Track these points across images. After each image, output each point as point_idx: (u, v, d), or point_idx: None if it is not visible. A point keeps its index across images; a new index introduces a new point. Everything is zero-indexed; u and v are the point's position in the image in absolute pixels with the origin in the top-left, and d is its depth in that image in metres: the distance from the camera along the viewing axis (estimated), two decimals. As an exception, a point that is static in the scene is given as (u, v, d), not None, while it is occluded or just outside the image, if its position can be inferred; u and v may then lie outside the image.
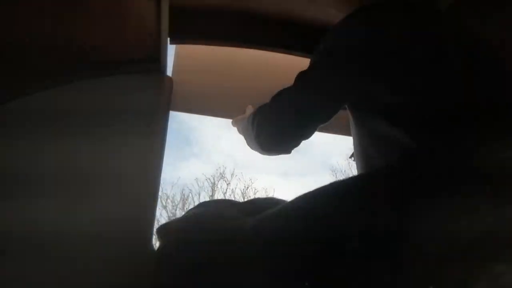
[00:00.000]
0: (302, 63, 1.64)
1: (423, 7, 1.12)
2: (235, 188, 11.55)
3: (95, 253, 1.34)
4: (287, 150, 1.15)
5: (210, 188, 11.39)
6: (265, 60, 1.68)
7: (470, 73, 1.00)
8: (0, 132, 1.41)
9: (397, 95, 1.00)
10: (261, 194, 11.60)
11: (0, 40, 1.28)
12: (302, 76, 1.12)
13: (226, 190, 11.35)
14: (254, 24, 1.61)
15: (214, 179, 11.31)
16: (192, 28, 1.58)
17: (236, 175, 11.70)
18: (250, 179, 12.10)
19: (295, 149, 1.14)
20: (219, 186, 11.37)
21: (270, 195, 11.39)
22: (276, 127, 1.11)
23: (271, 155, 1.19)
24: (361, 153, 1.11)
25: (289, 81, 1.67)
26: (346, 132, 1.52)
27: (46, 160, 1.40)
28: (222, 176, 11.36)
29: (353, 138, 1.17)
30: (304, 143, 1.22)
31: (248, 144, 1.23)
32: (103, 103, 1.51)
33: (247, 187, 11.53)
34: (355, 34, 1.08)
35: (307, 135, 1.12)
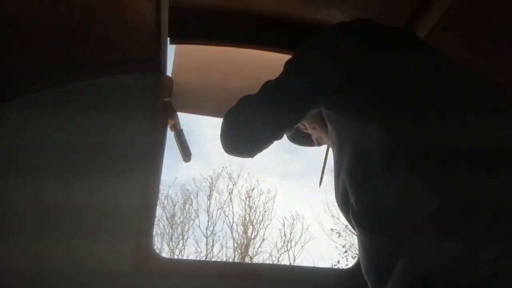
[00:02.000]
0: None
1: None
2: (241, 188, 11.50)
3: (95, 253, 1.34)
4: (249, 155, 1.14)
5: (208, 188, 11.38)
6: (265, 60, 1.68)
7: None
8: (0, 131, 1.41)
9: (373, 89, 0.98)
10: (265, 195, 11.57)
11: (0, 41, 1.28)
12: (266, 84, 1.11)
13: (232, 190, 11.35)
14: (254, 24, 1.61)
15: (212, 180, 11.29)
16: (192, 28, 1.58)
17: (242, 176, 11.62)
18: (257, 180, 12.04)
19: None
20: (217, 186, 11.36)
21: (272, 196, 11.41)
22: (239, 134, 1.11)
23: (236, 156, 1.18)
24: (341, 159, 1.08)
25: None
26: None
27: (45, 158, 1.40)
28: (220, 175, 11.32)
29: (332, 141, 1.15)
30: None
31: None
32: (103, 102, 1.51)
33: (253, 188, 11.50)
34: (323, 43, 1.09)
35: (270, 140, 1.10)
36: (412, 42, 1.12)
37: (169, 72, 1.62)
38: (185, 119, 1.58)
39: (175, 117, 1.54)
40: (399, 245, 0.85)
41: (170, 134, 1.56)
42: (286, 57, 1.65)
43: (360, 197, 0.97)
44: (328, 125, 1.13)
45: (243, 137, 1.10)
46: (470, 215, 0.76)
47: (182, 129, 1.55)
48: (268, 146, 1.12)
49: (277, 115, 1.06)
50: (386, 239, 0.89)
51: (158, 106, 1.53)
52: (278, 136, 1.10)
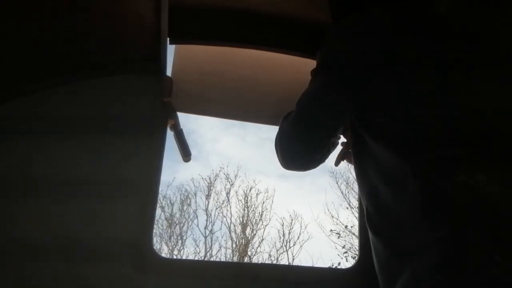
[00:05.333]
0: (302, 63, 1.65)
1: (420, 10, 1.10)
2: (238, 188, 11.49)
3: (96, 253, 1.34)
4: (307, 168, 1.32)
5: (206, 188, 11.38)
6: (265, 60, 1.68)
7: (467, 88, 0.97)
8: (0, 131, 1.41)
9: (389, 116, 1.01)
10: (262, 195, 11.60)
11: (0, 41, 1.28)
12: (301, 99, 1.17)
13: (230, 190, 11.35)
14: (254, 24, 1.61)
15: (210, 180, 11.29)
16: (192, 28, 1.58)
17: (239, 176, 11.61)
18: (254, 180, 12.06)
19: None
20: (216, 186, 11.35)
21: (270, 195, 11.44)
22: (287, 154, 1.26)
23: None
24: (361, 172, 1.14)
25: (288, 81, 1.68)
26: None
27: (46, 160, 1.40)
28: (217, 176, 11.32)
29: (353, 156, 1.19)
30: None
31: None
32: (103, 103, 1.51)
33: (251, 189, 11.51)
34: (344, 49, 1.10)
35: (318, 153, 1.22)
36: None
37: (169, 72, 1.62)
38: (185, 119, 1.58)
39: (175, 117, 1.54)
40: (405, 258, 0.87)
41: (170, 135, 1.56)
42: (286, 57, 1.66)
43: (375, 206, 1.02)
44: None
45: (296, 152, 1.24)
46: None
47: (182, 129, 1.56)
48: (324, 150, 1.23)
49: (316, 126, 1.16)
50: (394, 251, 0.93)
51: (158, 106, 1.53)
52: (325, 140, 1.20)
